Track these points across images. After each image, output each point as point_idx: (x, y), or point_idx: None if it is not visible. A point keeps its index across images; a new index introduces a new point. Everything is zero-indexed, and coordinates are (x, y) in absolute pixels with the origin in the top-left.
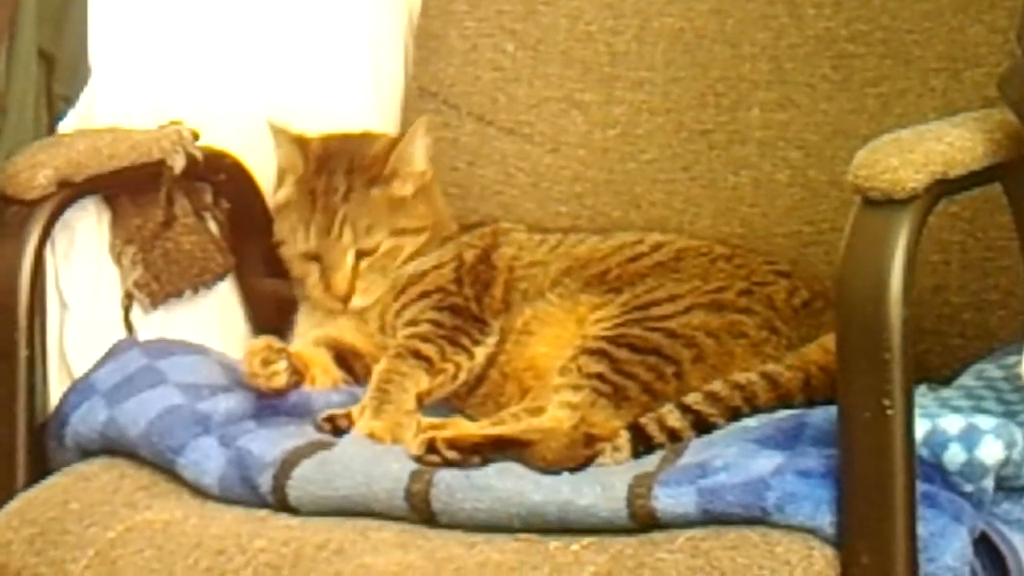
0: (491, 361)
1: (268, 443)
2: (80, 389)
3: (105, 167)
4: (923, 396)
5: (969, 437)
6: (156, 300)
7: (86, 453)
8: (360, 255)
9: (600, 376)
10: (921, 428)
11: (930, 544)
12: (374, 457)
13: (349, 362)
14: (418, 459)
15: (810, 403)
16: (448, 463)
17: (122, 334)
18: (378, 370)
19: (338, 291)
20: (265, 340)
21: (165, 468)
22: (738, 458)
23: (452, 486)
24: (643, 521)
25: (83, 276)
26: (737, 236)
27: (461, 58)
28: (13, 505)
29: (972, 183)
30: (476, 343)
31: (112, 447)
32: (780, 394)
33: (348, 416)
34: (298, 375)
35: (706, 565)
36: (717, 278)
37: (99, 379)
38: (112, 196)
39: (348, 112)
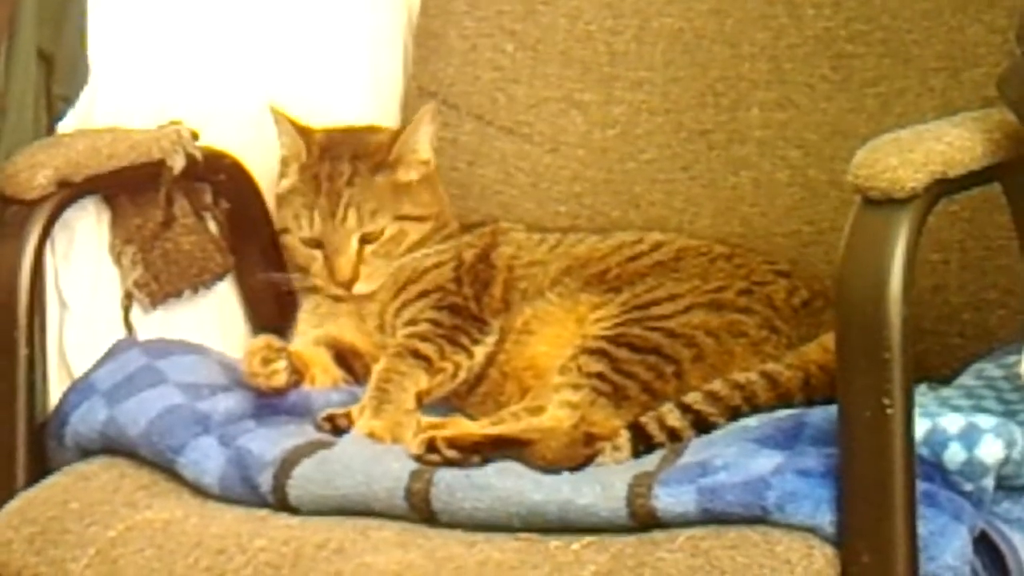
0: (491, 360)
1: (268, 442)
2: (80, 389)
3: (104, 167)
4: (923, 395)
5: (969, 436)
6: (156, 300)
7: (86, 452)
8: (364, 240)
9: (600, 375)
10: (921, 427)
11: (930, 543)
12: (374, 456)
13: (349, 361)
14: (418, 458)
15: (810, 402)
16: (448, 462)
17: (122, 334)
18: (378, 369)
19: (342, 276)
20: (264, 339)
21: (165, 467)
22: (738, 457)
23: (452, 485)
24: (643, 520)
25: (83, 276)
26: (737, 236)
27: (460, 58)
28: (13, 504)
29: (971, 183)
30: (475, 342)
31: (112, 446)
32: (780, 393)
33: (348, 415)
34: (298, 374)
35: (706, 564)
36: (717, 277)
37: (99, 379)
38: (111, 196)
39: (347, 112)
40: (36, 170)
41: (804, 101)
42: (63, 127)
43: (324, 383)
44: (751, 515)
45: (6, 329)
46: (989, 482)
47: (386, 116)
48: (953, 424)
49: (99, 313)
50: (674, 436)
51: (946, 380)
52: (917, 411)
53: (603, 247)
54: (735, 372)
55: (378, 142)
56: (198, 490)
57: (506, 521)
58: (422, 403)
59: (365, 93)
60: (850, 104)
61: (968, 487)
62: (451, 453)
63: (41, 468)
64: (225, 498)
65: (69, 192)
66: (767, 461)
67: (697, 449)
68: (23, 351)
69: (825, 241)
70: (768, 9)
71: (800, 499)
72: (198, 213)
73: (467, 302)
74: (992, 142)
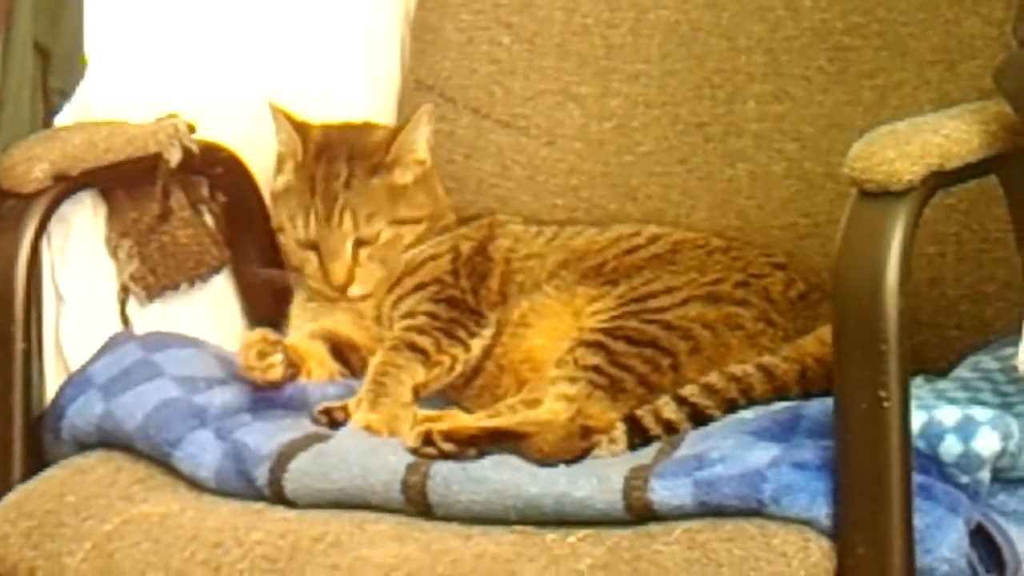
0: (487, 353)
1: (264, 436)
2: (76, 382)
3: (101, 160)
4: (919, 388)
5: (965, 429)
6: (152, 293)
7: (82, 446)
8: (359, 244)
9: (596, 368)
10: (917, 420)
11: (926, 535)
12: (370, 449)
13: (345, 354)
14: (414, 451)
15: (806, 395)
16: (444, 455)
17: (118, 327)
18: (374, 362)
19: (337, 280)
20: (261, 333)
21: (161, 461)
22: (734, 450)
23: (448, 478)
24: (639, 513)
25: (79, 269)
26: (733, 228)
27: (457, 51)
28: (10, 498)
29: (968, 175)
30: (472, 335)
31: (108, 440)
32: (776, 386)
33: (344, 409)
34: (294, 368)
35: (702, 557)
36: (713, 270)
37: (95, 372)
38: (108, 189)
39: (344, 105)
40: (32, 164)
41: (800, 93)
42: (59, 121)
43: (320, 376)
44: (747, 508)
45: (2, 323)
46: (985, 474)
47: (383, 109)
48: (949, 416)
49: (95, 307)
50: (670, 429)
51: (943, 372)
52: (913, 403)
53: (600, 240)
54: (732, 365)
55: (375, 142)
56: (194, 483)
57: (502, 514)
58: (419, 396)
59: (362, 86)
60: (847, 96)
61: (964, 479)
62: (447, 446)
63: (37, 462)
64: (221, 491)
65: (65, 186)
66: (763, 454)
67: (693, 442)
68: (19, 345)
69: (822, 234)
70: (764, 1)
71: (796, 492)
72: (195, 206)
73: (464, 295)
74: (989, 134)
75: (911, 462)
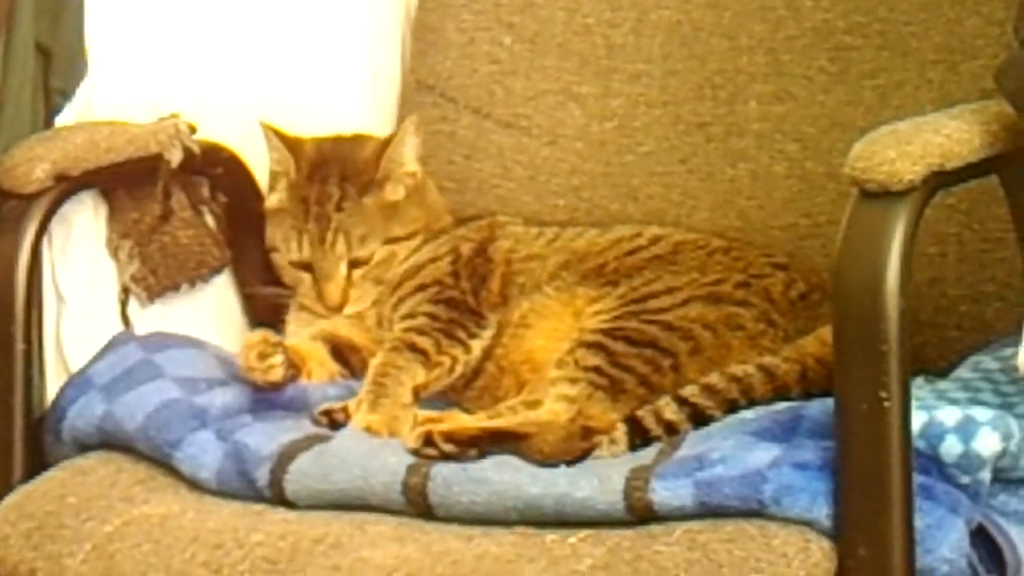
0: (488, 354)
1: (265, 437)
2: (77, 383)
3: (102, 161)
4: (920, 388)
5: (966, 429)
6: (153, 294)
7: (83, 447)
8: (353, 265)
9: (597, 369)
10: (918, 420)
11: (927, 536)
12: (371, 451)
13: (345, 356)
14: (415, 452)
15: (807, 395)
16: (445, 456)
17: (119, 328)
18: (374, 364)
19: (331, 302)
20: (261, 334)
21: (162, 462)
22: (735, 451)
23: (449, 479)
24: (640, 514)
25: (80, 270)
26: (734, 228)
27: (458, 51)
28: (10, 499)
29: (969, 175)
30: (472, 336)
31: (109, 441)
32: (777, 386)
33: (345, 410)
34: (294, 369)
35: (703, 558)
36: (714, 271)
37: (96, 373)
38: (109, 190)
39: (345, 105)
40: (33, 164)
41: (802, 93)
42: (61, 121)
43: (321, 377)
44: (748, 508)
45: (3, 324)
46: (986, 475)
47: (383, 110)
48: (950, 417)
49: (96, 307)
50: (671, 429)
51: (943, 373)
52: (914, 404)
53: (602, 242)
54: (732, 365)
55: (365, 159)
56: (195, 485)
57: (503, 515)
58: (419, 397)
59: (362, 86)
60: (848, 96)
61: (965, 480)
62: (448, 447)
63: (38, 463)
64: (222, 493)
65: (66, 186)
66: (764, 454)
67: (694, 442)
68: (20, 346)
69: (822, 234)
70: (766, 1)
71: (797, 492)
72: (195, 207)
73: (464, 296)
74: (990, 134)
75: (912, 462)
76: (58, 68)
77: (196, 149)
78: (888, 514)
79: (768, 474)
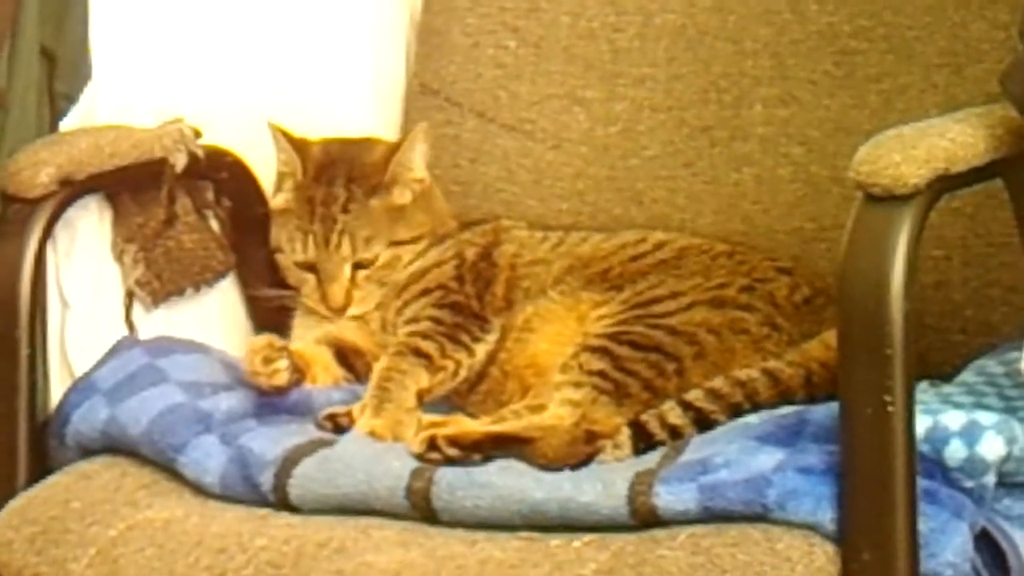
0: (492, 359)
1: (269, 441)
2: (81, 388)
3: (107, 165)
4: (924, 392)
5: (970, 433)
6: (157, 298)
7: (87, 452)
8: (358, 267)
9: (601, 373)
10: (922, 424)
11: (931, 540)
12: (375, 455)
13: (350, 360)
14: (419, 457)
15: (811, 399)
16: (449, 460)
17: (123, 332)
18: (378, 368)
19: (335, 303)
20: (266, 338)
21: (166, 467)
22: (739, 455)
23: (453, 484)
24: (644, 518)
25: (84, 274)
26: (739, 232)
27: (463, 55)
28: (14, 504)
29: (974, 179)
30: (477, 340)
31: (113, 446)
32: (781, 391)
33: (349, 414)
34: (299, 373)
35: (707, 562)
36: (718, 275)
37: (100, 378)
38: (114, 194)
39: (349, 109)
40: (38, 168)
41: (807, 97)
42: (65, 125)
43: (325, 382)
44: (752, 513)
45: (8, 328)
46: (990, 479)
47: (388, 113)
48: (954, 421)
49: (101, 312)
50: (675, 434)
51: (948, 377)
52: (918, 408)
53: (606, 247)
54: (737, 369)
55: (373, 162)
56: (199, 489)
57: (507, 519)
58: (423, 401)
59: (367, 90)
60: (853, 100)
61: (969, 484)
62: (452, 451)
63: (42, 467)
64: (226, 497)
65: (71, 190)
66: (768, 458)
67: (698, 447)
68: (24, 350)
69: (827, 238)
70: (771, 5)
71: (801, 496)
72: (200, 211)
73: (469, 300)
74: (995, 138)
75: (916, 466)
76: (63, 72)
77: (200, 153)
78: (892, 518)
79: (772, 478)
